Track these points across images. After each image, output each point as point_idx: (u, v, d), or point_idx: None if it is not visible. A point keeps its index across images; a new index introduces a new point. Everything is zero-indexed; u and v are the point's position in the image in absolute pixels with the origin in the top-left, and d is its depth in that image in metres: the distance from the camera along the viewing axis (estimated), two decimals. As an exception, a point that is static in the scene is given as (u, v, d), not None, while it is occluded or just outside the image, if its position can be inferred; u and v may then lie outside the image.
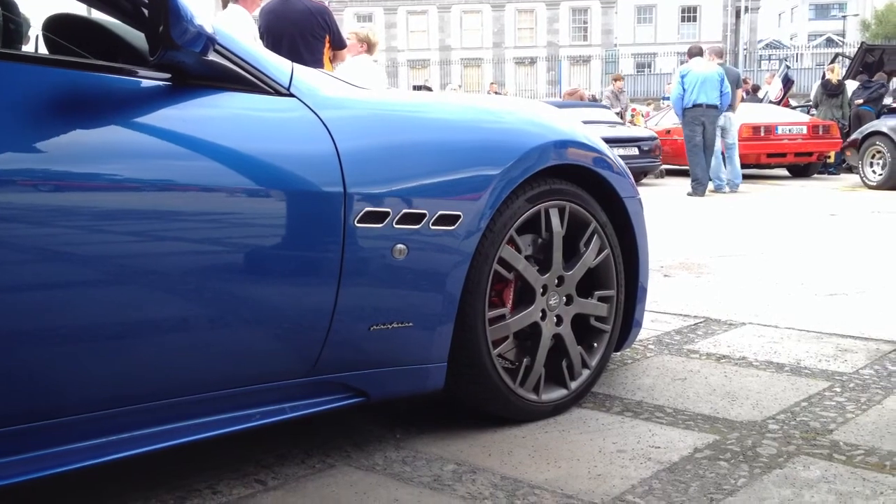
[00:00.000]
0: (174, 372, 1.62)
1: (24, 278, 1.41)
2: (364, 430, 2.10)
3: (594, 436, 2.06)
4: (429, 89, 17.87)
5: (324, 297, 1.74)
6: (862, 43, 17.15)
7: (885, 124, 10.24)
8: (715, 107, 9.76)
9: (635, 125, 12.53)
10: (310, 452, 1.96)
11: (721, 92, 9.72)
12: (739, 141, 11.14)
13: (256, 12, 5.60)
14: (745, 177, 11.27)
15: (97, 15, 1.94)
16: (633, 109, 12.67)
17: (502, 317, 2.09)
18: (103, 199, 1.48)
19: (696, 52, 10.21)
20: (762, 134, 11.95)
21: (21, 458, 1.44)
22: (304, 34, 5.50)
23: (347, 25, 6.64)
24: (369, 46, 6.65)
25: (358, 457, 1.94)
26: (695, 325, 3.22)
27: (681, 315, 3.38)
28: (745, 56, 36.35)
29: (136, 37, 1.81)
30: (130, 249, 1.52)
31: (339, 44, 5.79)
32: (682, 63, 13.11)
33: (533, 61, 51.55)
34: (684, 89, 9.87)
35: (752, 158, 11.98)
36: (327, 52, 5.72)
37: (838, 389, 2.40)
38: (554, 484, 1.78)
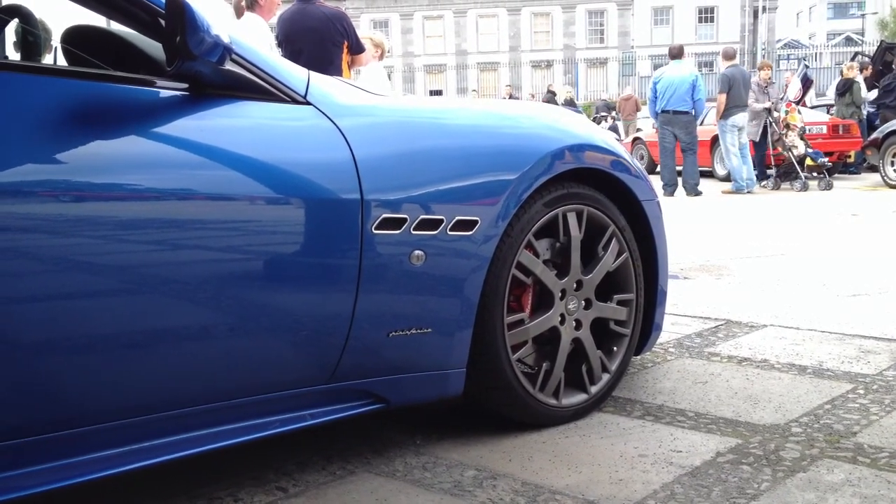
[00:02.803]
0: (194, 380, 1.62)
1: (46, 288, 1.43)
2: (384, 437, 2.10)
3: (615, 440, 2.05)
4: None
5: (342, 303, 1.74)
6: (881, 41, 16.99)
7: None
8: (685, 112, 9.76)
9: (791, 124, 10.51)
10: (330, 459, 1.97)
11: (693, 98, 9.71)
12: (758, 141, 11.10)
13: (273, 20, 5.63)
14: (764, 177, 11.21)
15: (115, 27, 1.96)
16: (789, 105, 10.89)
17: (521, 321, 2.09)
18: (123, 209, 1.49)
19: (675, 53, 10.15)
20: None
21: (40, 468, 1.45)
22: (322, 41, 5.52)
23: (363, 31, 6.63)
24: (382, 52, 6.68)
25: (378, 463, 1.94)
26: (715, 327, 3.20)
27: (701, 318, 3.36)
28: (764, 56, 36.15)
29: (154, 47, 1.82)
30: (150, 259, 1.53)
31: (357, 49, 5.80)
32: (701, 65, 13.02)
33: (549, 64, 51.49)
34: (656, 95, 9.92)
35: (774, 158, 11.90)
36: (346, 59, 5.73)
37: (861, 391, 2.38)
38: (575, 489, 1.77)
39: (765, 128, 10.79)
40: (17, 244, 1.39)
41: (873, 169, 11.11)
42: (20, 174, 1.39)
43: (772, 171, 10.78)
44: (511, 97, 25.38)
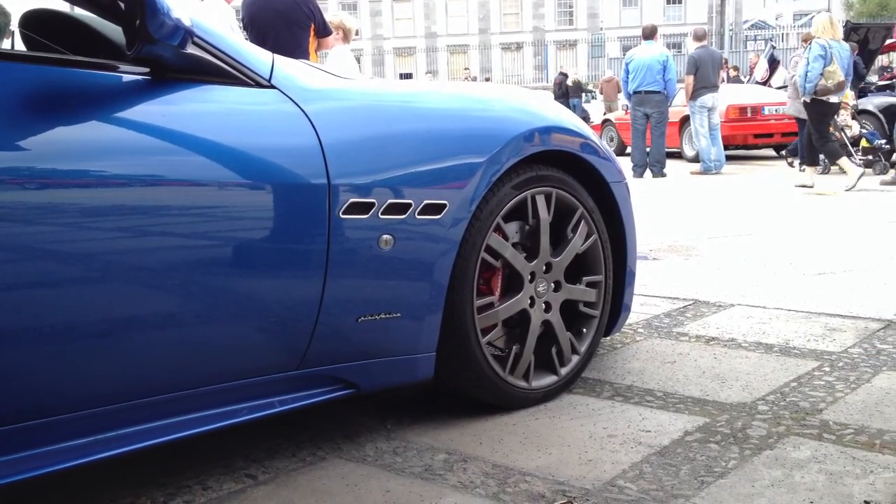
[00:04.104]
0: (161, 368, 1.61)
1: (8, 277, 1.40)
2: (354, 422, 2.10)
3: (584, 421, 2.06)
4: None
5: (311, 289, 1.73)
6: (847, 21, 17.15)
7: (871, 102, 10.27)
8: (657, 92, 9.79)
9: (843, 102, 9.09)
10: (300, 445, 1.96)
11: (665, 78, 9.74)
12: (726, 122, 11.19)
13: (237, 3, 5.56)
14: (732, 158, 11.28)
15: (76, 10, 1.92)
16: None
17: (491, 305, 2.09)
18: (87, 196, 1.46)
19: (648, 33, 10.19)
20: (748, 115, 11.98)
21: (5, 459, 1.43)
22: (289, 24, 5.46)
23: (331, 14, 6.54)
24: (345, 34, 6.59)
25: (349, 448, 1.94)
26: (684, 307, 3.22)
27: (670, 298, 3.38)
28: (731, 37, 36.32)
29: (114, 31, 1.80)
30: (115, 246, 1.50)
31: (323, 32, 5.75)
32: (669, 46, 13.00)
33: (519, 46, 51.47)
34: (628, 75, 9.95)
35: (739, 139, 12.01)
36: (312, 42, 5.68)
37: (827, 369, 2.41)
38: (545, 470, 1.78)
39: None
40: None
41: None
42: None
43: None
44: (467, 79, 25.33)
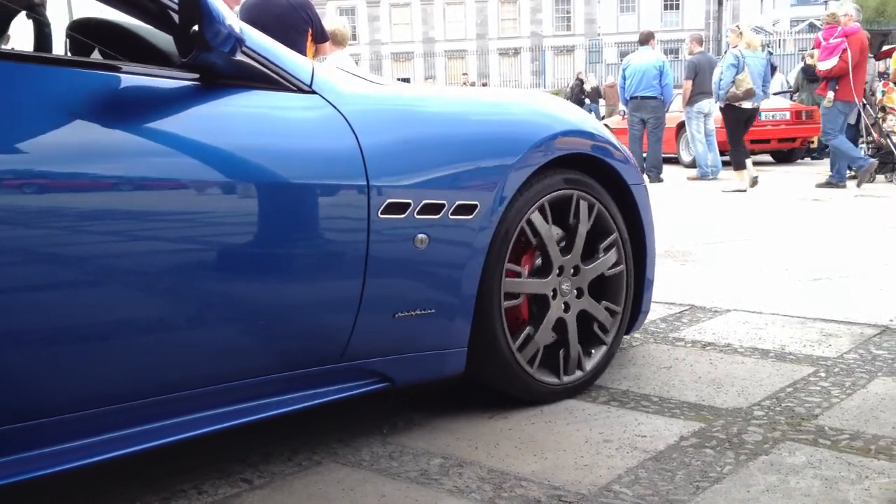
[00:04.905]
0: (218, 360, 1.68)
1: (71, 276, 1.47)
2: (350, 427, 2.10)
3: (580, 426, 2.06)
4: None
5: (352, 285, 1.80)
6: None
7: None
8: (654, 98, 9.83)
9: (889, 107, 9.05)
10: (296, 450, 1.96)
11: (661, 84, 9.78)
12: (723, 127, 11.17)
13: (237, 9, 5.56)
14: (729, 163, 11.28)
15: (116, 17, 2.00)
16: (886, 84, 9.31)
17: (518, 274, 2.17)
18: (146, 198, 1.53)
19: (644, 38, 10.24)
20: (746, 120, 11.98)
21: (8, 459, 1.43)
22: (287, 30, 5.46)
23: (329, 20, 6.53)
24: (335, 40, 6.55)
25: (345, 453, 1.94)
26: (680, 312, 3.23)
27: (666, 303, 3.39)
28: (728, 43, 36.41)
29: (160, 38, 1.87)
30: (170, 246, 1.56)
31: (321, 38, 5.75)
32: (666, 52, 12.99)
33: (517, 52, 51.53)
34: (625, 81, 9.99)
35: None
36: (310, 47, 5.68)
37: (823, 374, 2.41)
38: (541, 475, 1.78)
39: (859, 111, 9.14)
40: (50, 234, 1.43)
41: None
42: (46, 163, 1.41)
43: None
44: (465, 84, 25.32)
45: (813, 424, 2.02)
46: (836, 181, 8.41)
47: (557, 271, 2.23)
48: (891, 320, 3.01)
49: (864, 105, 9.03)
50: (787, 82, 15.16)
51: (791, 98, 13.86)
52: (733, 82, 8.47)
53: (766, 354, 2.63)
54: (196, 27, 1.54)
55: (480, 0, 52.69)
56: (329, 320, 1.81)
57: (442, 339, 2.00)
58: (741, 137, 8.74)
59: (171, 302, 1.58)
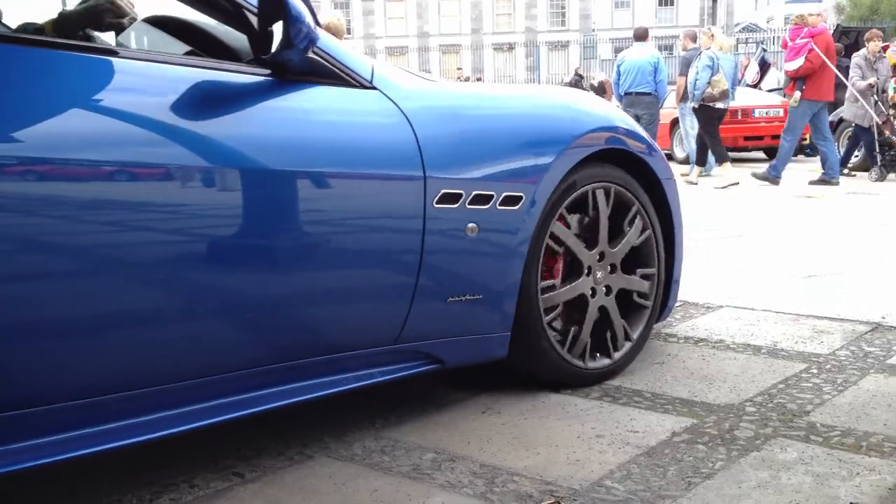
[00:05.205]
0: (279, 341, 1.78)
1: (159, 254, 1.56)
2: (343, 421, 2.09)
3: (573, 421, 2.06)
4: None
5: (409, 271, 1.91)
6: (837, 25, 17.21)
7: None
8: (648, 94, 9.84)
9: None
10: (288, 444, 1.95)
11: (656, 80, 9.80)
12: (717, 124, 11.19)
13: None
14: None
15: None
16: None
17: (553, 287, 2.26)
18: (242, 184, 1.64)
19: (639, 35, 10.24)
20: (739, 117, 12.00)
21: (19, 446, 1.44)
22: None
23: (324, 13, 6.50)
24: (336, 34, 6.55)
25: (337, 447, 1.93)
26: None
27: (659, 299, 3.38)
28: (701, 45, 36.42)
29: (227, 35, 2.01)
30: (256, 228, 1.67)
31: None
32: (660, 48, 12.97)
33: (511, 47, 51.48)
34: (619, 77, 10.01)
35: (730, 141, 11.98)
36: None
37: (815, 371, 2.42)
38: (533, 470, 1.78)
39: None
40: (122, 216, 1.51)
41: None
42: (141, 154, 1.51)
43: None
44: (459, 80, 25.26)
45: (804, 421, 2.03)
46: (829, 178, 8.45)
47: (598, 256, 2.34)
48: (883, 317, 3.02)
49: (875, 102, 9.04)
50: (780, 80, 15.17)
51: (784, 95, 13.87)
52: (709, 83, 8.75)
53: (759, 351, 2.64)
54: (275, 25, 1.66)
55: (475, -5, 52.64)
56: (388, 303, 1.91)
57: (489, 324, 2.10)
58: (718, 134, 9.04)
59: (259, 285, 1.69)
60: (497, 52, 51.25)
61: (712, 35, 9.30)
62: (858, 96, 9.05)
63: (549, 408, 2.16)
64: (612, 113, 2.45)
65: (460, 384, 2.33)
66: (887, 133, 8.99)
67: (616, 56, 13.64)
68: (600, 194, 2.31)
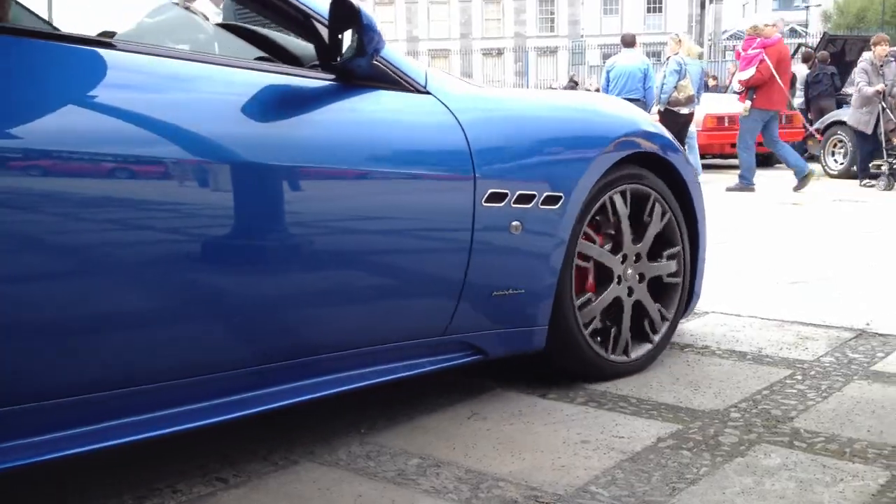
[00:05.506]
0: (354, 330, 1.91)
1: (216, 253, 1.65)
2: (328, 426, 2.09)
3: (558, 427, 2.06)
4: None
5: (459, 266, 2.01)
6: (824, 33, 17.34)
7: (846, 114, 10.36)
8: (637, 100, 9.89)
9: None
10: (272, 449, 1.95)
11: (645, 86, 9.86)
12: (703, 131, 11.25)
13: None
14: (709, 166, 11.35)
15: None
16: None
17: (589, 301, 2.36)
18: (304, 182, 1.75)
19: (627, 41, 10.30)
20: (726, 124, 12.02)
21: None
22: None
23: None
24: None
25: (321, 452, 1.93)
26: (659, 314, 3.23)
27: (645, 305, 3.39)
28: (710, 47, 36.63)
29: (287, 42, 2.18)
30: (318, 225, 1.79)
31: None
32: (648, 55, 13.01)
33: (500, 52, 51.57)
34: (609, 83, 10.05)
35: (716, 148, 12.07)
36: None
37: (799, 377, 2.43)
38: (518, 476, 1.78)
39: (878, 117, 8.93)
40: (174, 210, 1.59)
41: (813, 159, 11.33)
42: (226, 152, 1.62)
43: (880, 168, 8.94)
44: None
45: (789, 427, 2.04)
46: (799, 178, 8.50)
47: (622, 257, 2.44)
48: (867, 324, 3.03)
49: (883, 109, 8.97)
50: None
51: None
52: (675, 88, 8.91)
53: (744, 357, 2.65)
54: (344, 34, 1.78)
55: (464, 0, 52.70)
56: (439, 296, 2.01)
57: (529, 318, 2.20)
58: (683, 140, 9.23)
59: (329, 268, 1.81)
60: (486, 57, 51.33)
61: (680, 41, 9.50)
62: (864, 102, 9.10)
63: (534, 413, 2.16)
64: (644, 118, 2.58)
65: (446, 390, 2.33)
66: (895, 141, 8.84)
67: (604, 62, 13.67)
68: (619, 196, 2.40)
